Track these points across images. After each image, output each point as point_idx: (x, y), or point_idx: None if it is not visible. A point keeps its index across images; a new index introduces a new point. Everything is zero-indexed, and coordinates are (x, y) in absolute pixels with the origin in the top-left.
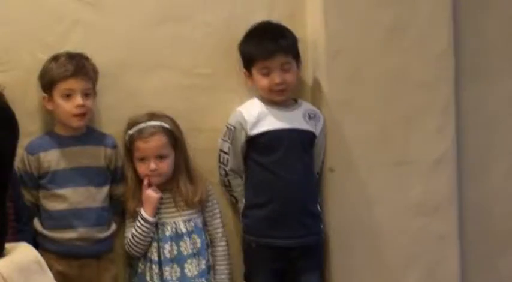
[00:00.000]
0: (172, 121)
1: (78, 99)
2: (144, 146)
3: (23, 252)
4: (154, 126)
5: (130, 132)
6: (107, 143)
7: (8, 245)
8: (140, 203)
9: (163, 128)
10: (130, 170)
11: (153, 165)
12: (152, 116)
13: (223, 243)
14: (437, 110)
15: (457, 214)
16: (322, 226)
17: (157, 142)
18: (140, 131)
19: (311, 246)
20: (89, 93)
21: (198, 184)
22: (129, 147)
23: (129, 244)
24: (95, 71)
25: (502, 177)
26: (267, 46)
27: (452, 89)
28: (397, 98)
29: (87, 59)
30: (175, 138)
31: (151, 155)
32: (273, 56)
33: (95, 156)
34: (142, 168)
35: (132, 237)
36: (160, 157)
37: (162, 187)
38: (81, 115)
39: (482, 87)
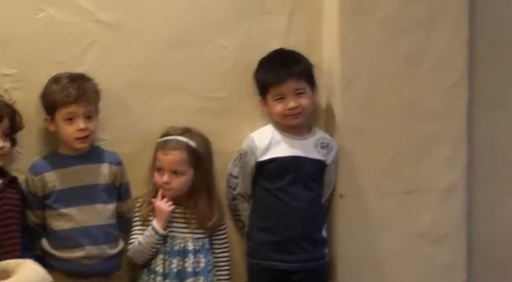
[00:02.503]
0: (203, 142)
1: (80, 123)
2: (162, 158)
3: (31, 270)
4: (178, 141)
5: (158, 140)
6: (111, 160)
7: (14, 262)
8: (154, 211)
9: (188, 146)
10: (153, 177)
11: (165, 178)
12: (185, 131)
13: (228, 267)
14: (449, 139)
15: (466, 244)
16: (327, 252)
17: (176, 157)
18: (164, 142)
19: (313, 270)
20: (91, 115)
21: (215, 210)
22: (154, 154)
23: (133, 251)
24: (96, 92)
25: None
26: (279, 72)
27: (465, 119)
28: (409, 126)
29: (88, 80)
30: (198, 158)
31: (166, 167)
32: (284, 82)
33: (99, 173)
34: (157, 178)
35: (139, 244)
36: (175, 172)
37: (177, 201)
38: (84, 138)
39: (496, 118)
